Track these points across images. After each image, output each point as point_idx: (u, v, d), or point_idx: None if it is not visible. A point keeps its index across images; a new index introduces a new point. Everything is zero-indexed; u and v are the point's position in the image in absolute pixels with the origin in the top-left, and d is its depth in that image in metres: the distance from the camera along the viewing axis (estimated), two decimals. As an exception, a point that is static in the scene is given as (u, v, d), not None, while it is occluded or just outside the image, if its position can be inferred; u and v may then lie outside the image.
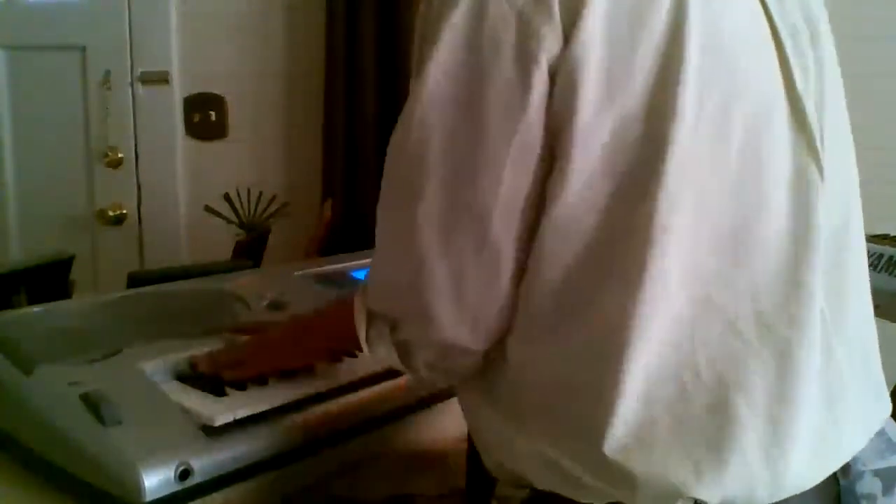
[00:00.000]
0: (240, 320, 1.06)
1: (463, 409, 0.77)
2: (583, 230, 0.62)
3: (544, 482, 0.66)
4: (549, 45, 0.60)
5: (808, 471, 0.64)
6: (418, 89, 0.64)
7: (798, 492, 0.63)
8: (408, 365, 0.73)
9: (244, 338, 0.97)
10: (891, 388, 0.79)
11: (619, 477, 0.61)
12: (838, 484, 0.67)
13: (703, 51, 0.61)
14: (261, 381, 0.88)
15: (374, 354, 0.75)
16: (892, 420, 0.75)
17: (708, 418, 0.61)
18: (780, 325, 0.63)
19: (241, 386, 0.86)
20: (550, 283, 0.64)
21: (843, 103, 0.75)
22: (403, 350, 0.72)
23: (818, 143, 0.67)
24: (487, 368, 0.71)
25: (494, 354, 0.69)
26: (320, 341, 0.91)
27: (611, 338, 0.61)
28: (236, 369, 0.88)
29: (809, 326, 0.64)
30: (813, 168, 0.66)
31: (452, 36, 0.63)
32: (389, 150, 0.69)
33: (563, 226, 0.62)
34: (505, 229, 0.64)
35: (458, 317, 0.67)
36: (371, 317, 0.74)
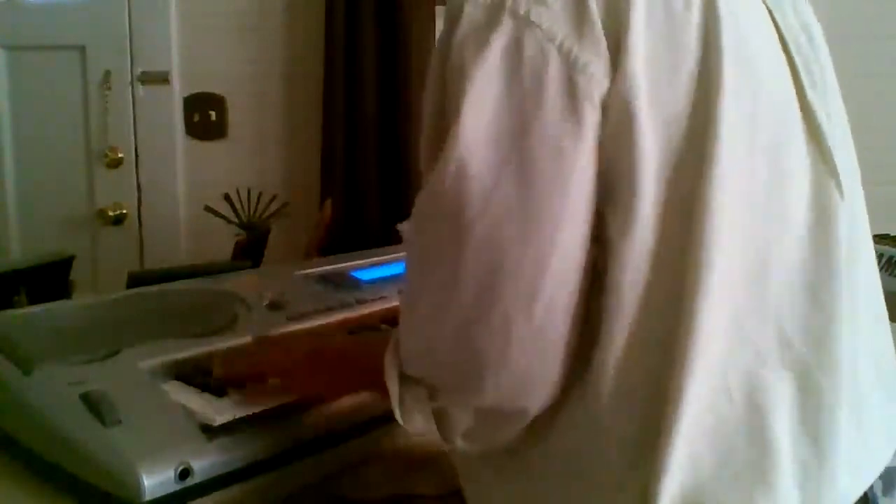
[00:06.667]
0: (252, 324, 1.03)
1: (460, 473, 0.74)
2: (642, 270, 0.58)
3: None
4: (598, 78, 0.56)
5: (848, 489, 0.63)
6: (453, 137, 0.58)
7: None
8: (444, 435, 0.68)
9: (263, 344, 0.94)
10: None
11: None
12: (866, 497, 0.66)
13: (736, 64, 0.59)
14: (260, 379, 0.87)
15: (410, 424, 0.69)
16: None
17: (747, 446, 0.59)
18: (803, 348, 0.61)
19: (240, 385, 0.86)
20: (620, 337, 0.58)
21: (843, 109, 0.73)
22: (440, 418, 0.67)
23: (833, 156, 0.65)
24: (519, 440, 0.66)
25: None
26: (353, 373, 0.83)
27: (664, 383, 0.58)
28: (253, 380, 0.85)
29: (834, 347, 0.62)
30: (831, 183, 0.64)
31: (488, 77, 0.57)
32: (422, 200, 0.63)
33: (631, 268, 0.57)
34: (561, 285, 0.59)
35: (508, 382, 0.61)
36: (404, 381, 0.68)
